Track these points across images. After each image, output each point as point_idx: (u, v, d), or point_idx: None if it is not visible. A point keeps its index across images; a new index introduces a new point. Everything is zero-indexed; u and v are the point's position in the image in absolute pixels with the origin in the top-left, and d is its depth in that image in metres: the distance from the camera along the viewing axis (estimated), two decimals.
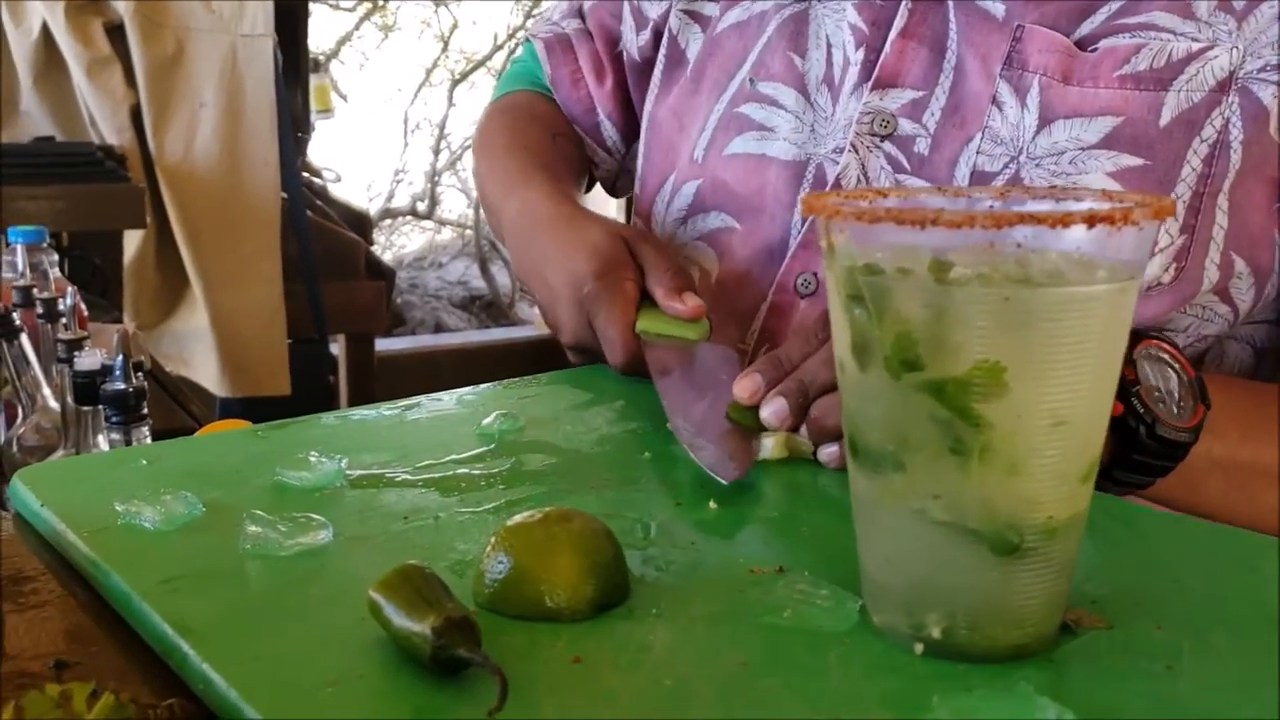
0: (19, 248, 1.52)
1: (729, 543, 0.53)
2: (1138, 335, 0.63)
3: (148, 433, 1.17)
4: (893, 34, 0.78)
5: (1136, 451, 0.61)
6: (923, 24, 0.78)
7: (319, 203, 2.78)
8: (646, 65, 0.96)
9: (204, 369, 2.08)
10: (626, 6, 0.97)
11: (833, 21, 0.82)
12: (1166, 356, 0.63)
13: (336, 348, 2.87)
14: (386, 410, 0.72)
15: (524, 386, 0.78)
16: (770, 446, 0.64)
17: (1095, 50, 0.73)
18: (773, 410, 0.64)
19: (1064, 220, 0.37)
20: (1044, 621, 0.43)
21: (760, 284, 0.83)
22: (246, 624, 0.45)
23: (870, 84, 0.78)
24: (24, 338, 1.36)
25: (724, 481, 0.58)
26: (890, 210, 0.39)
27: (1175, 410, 0.62)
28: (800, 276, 0.82)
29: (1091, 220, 0.37)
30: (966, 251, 0.40)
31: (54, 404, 1.32)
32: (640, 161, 0.95)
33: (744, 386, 0.65)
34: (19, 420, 1.36)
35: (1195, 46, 0.70)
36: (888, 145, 0.78)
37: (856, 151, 0.79)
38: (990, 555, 0.41)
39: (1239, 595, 0.48)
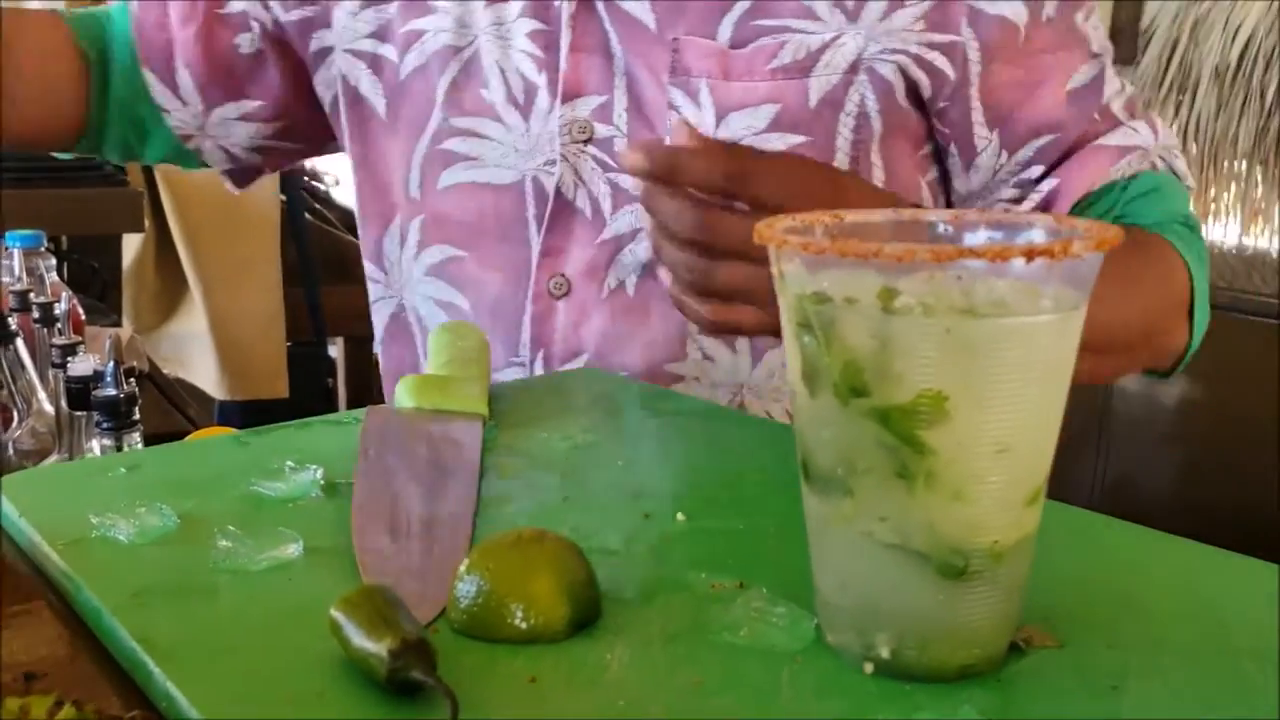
0: (16, 252, 1.53)
1: (693, 557, 0.54)
2: None
3: (139, 438, 1.18)
4: (564, 49, 0.86)
5: None
6: (586, 35, 0.86)
7: (318, 206, 2.79)
8: (258, 56, 0.97)
9: (203, 372, 2.09)
10: None
11: (500, 50, 0.89)
12: None
13: (335, 351, 2.88)
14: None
15: (510, 390, 0.79)
16: None
17: (746, 49, 0.83)
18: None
19: (1002, 254, 0.38)
20: (992, 642, 0.44)
21: (516, 298, 0.90)
22: (212, 640, 0.46)
23: (559, 98, 0.86)
24: (20, 342, 1.37)
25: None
26: (835, 244, 0.39)
27: None
28: (551, 280, 0.88)
29: (1030, 254, 0.38)
30: (913, 280, 0.41)
31: (49, 408, 1.33)
32: (356, 203, 0.99)
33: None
34: (14, 424, 1.37)
35: (827, 37, 0.82)
36: (591, 149, 0.87)
37: (567, 160, 0.87)
38: (937, 578, 0.42)
39: (1192, 611, 0.49)
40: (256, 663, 0.44)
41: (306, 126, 1.02)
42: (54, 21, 0.97)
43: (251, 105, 0.99)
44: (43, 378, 1.35)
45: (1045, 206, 0.87)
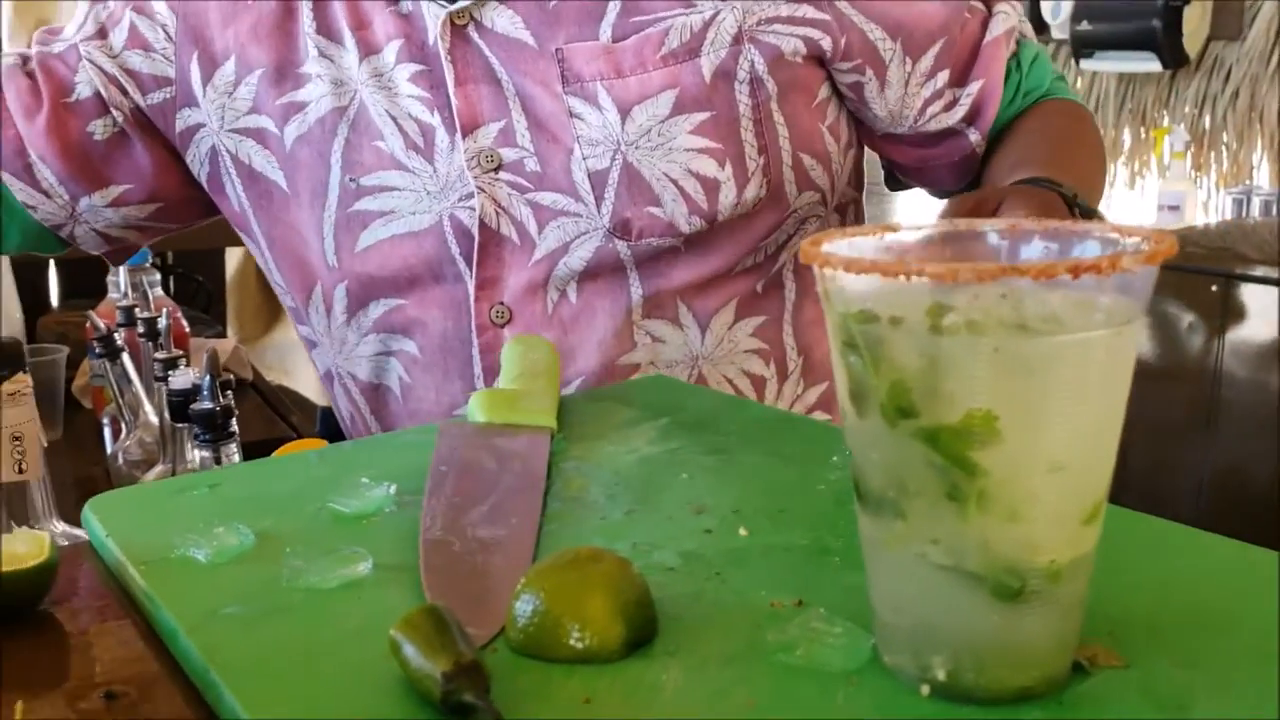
0: (122, 269, 1.59)
1: (753, 573, 0.54)
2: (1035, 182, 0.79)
3: (236, 449, 1.22)
4: (450, 85, 0.88)
5: None
6: (468, 66, 0.88)
7: None
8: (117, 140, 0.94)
9: (304, 379, 2.15)
10: (93, 67, 0.94)
11: (386, 98, 0.89)
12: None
13: None
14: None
15: (580, 401, 0.79)
16: None
17: (631, 42, 0.86)
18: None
19: (1047, 272, 0.37)
20: (1051, 663, 0.43)
21: (461, 333, 0.91)
22: (280, 661, 0.47)
23: (459, 133, 0.88)
24: (126, 357, 1.42)
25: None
26: (876, 262, 0.39)
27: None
28: (492, 310, 0.90)
29: (1076, 271, 0.37)
30: (962, 295, 0.40)
31: (154, 420, 1.39)
32: (274, 278, 0.99)
33: None
34: (123, 435, 1.43)
35: (707, 15, 0.87)
36: (504, 175, 0.88)
37: (484, 191, 0.88)
38: (992, 599, 0.41)
39: (1269, 628, 0.47)
40: (321, 684, 0.45)
41: (182, 203, 1.00)
42: None
43: (119, 190, 0.96)
44: (148, 391, 1.40)
45: (976, 109, 0.94)
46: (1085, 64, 2.97)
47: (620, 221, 0.87)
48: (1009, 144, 0.94)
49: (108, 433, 1.49)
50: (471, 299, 0.90)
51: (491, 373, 0.90)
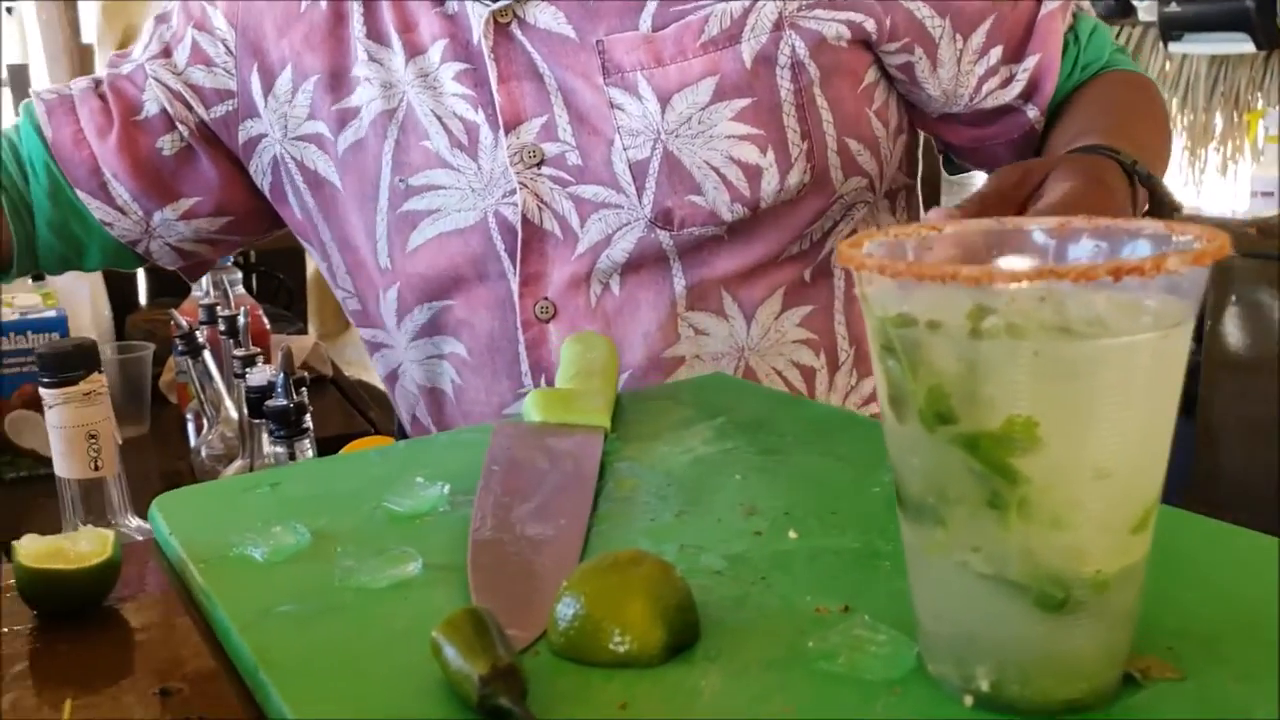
0: None
1: (800, 577, 0.53)
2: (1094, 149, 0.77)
3: (309, 444, 1.24)
4: (494, 82, 0.88)
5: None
6: (511, 63, 0.88)
7: None
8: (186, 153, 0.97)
9: None
10: (159, 85, 0.96)
11: (432, 99, 0.91)
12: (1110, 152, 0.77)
13: None
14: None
15: (637, 400, 0.79)
16: None
17: (671, 30, 0.86)
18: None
19: (1087, 275, 0.36)
20: (1100, 675, 0.41)
21: (507, 331, 0.92)
22: (327, 660, 0.48)
23: (501, 130, 0.88)
24: (207, 354, 1.46)
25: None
26: (911, 265, 0.38)
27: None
28: (536, 305, 0.91)
29: (1117, 273, 0.35)
30: (1003, 297, 0.39)
31: (235, 415, 1.42)
32: (341, 282, 1.01)
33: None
34: (205, 430, 1.46)
35: (746, 3, 0.86)
36: (546, 169, 0.89)
37: (526, 187, 0.89)
38: (1036, 609, 0.40)
39: None
40: (365, 684, 0.46)
41: (249, 214, 1.02)
42: None
43: (189, 203, 0.99)
44: (228, 387, 1.44)
45: (1034, 84, 0.92)
46: (1174, 46, 2.88)
47: (662, 211, 0.87)
48: (1067, 116, 0.92)
49: (191, 428, 1.53)
50: (516, 295, 0.91)
51: (538, 368, 0.91)
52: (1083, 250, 0.43)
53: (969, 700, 0.42)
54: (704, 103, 0.86)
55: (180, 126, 0.96)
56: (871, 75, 0.91)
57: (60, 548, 0.56)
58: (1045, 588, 0.40)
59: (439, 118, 0.90)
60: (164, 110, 0.96)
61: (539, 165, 0.88)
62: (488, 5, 0.88)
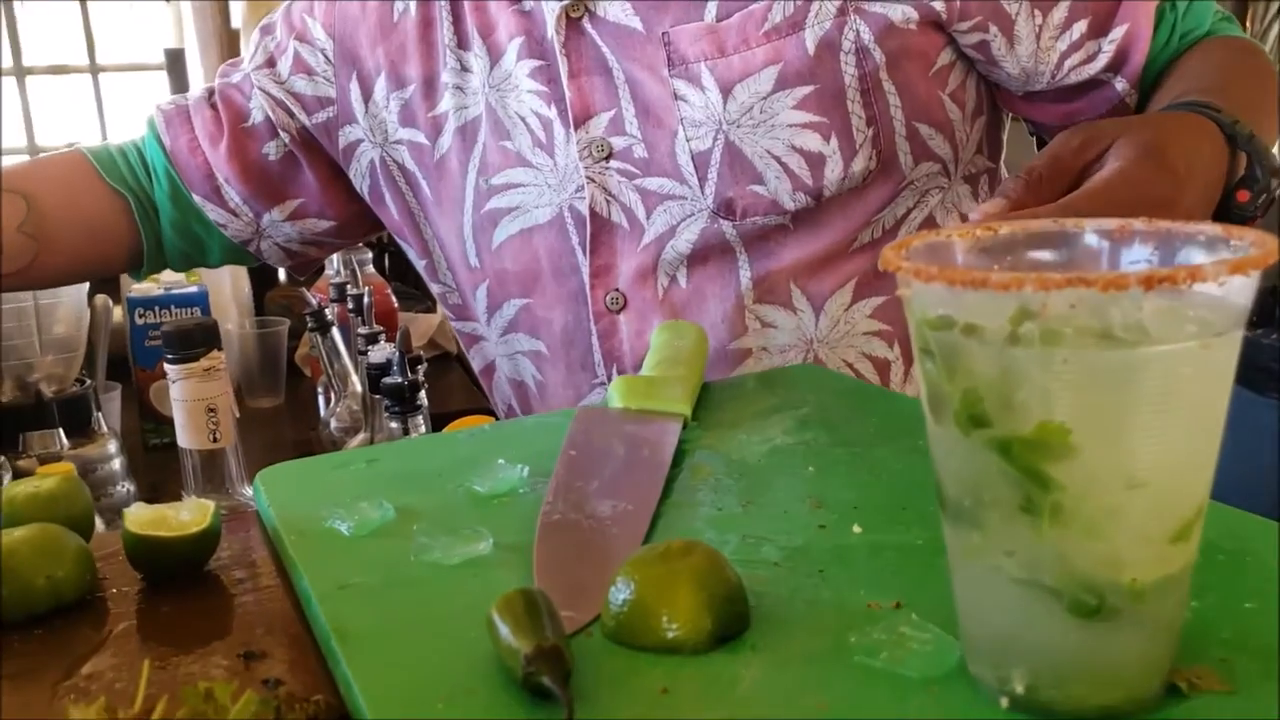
0: None
1: (857, 572, 0.53)
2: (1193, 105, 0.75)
3: (423, 421, 1.29)
4: (564, 80, 0.90)
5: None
6: (581, 58, 0.90)
7: None
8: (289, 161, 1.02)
9: None
10: (263, 94, 1.01)
11: (514, 99, 0.93)
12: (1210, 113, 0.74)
13: None
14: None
15: (723, 388, 0.80)
16: None
17: (734, 20, 0.86)
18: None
19: (1116, 284, 0.35)
20: (1138, 685, 0.41)
21: (581, 324, 0.94)
22: (395, 633, 0.51)
23: (571, 125, 0.90)
24: (335, 331, 1.52)
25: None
26: (943, 270, 0.38)
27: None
28: (607, 297, 0.93)
29: (1149, 283, 0.35)
30: (1045, 303, 0.39)
31: (360, 390, 1.48)
32: (441, 277, 1.05)
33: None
34: (333, 403, 1.53)
35: None
36: (614, 163, 0.90)
37: (594, 181, 0.90)
38: (1070, 616, 0.40)
39: None
40: (426, 657, 0.48)
41: (352, 217, 1.07)
42: (77, 160, 1.03)
43: (295, 205, 1.05)
44: (355, 363, 1.50)
45: (1122, 56, 0.88)
46: None
47: (723, 201, 0.87)
48: (1165, 85, 0.88)
49: (321, 400, 1.60)
50: (587, 287, 0.92)
51: (611, 357, 0.93)
52: (1137, 254, 0.43)
53: (1005, 702, 0.42)
54: (766, 91, 0.86)
55: (282, 133, 1.02)
56: (945, 57, 0.89)
57: (164, 516, 0.60)
58: (1079, 594, 0.40)
59: (521, 118, 0.93)
60: (268, 118, 1.01)
61: (607, 159, 0.90)
62: (560, 0, 0.90)
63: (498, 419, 1.14)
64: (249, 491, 0.84)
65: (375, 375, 1.34)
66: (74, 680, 0.52)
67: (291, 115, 1.01)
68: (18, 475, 1.14)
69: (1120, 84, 0.90)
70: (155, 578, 0.61)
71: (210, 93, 1.05)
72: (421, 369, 1.31)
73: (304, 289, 1.63)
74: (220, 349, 0.86)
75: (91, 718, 0.40)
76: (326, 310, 1.52)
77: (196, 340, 0.83)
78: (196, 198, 1.04)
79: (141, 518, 0.60)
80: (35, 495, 0.64)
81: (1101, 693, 0.41)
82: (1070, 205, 0.63)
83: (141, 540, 0.59)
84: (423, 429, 1.26)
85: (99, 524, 0.70)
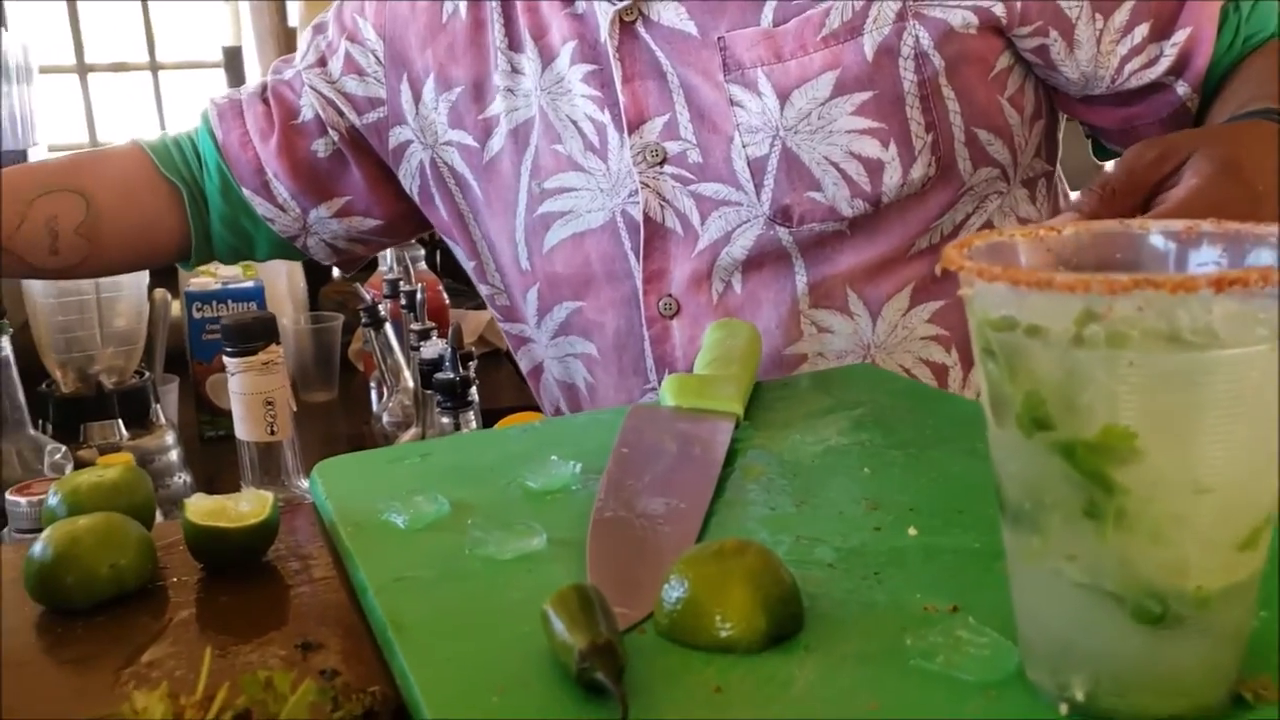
0: None
1: (913, 575, 0.53)
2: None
3: (474, 416, 1.29)
4: (618, 85, 0.90)
5: None
6: (635, 63, 0.90)
7: None
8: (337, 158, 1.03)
9: None
10: (314, 92, 1.02)
11: (566, 104, 0.93)
12: None
13: None
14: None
15: (776, 388, 0.80)
16: None
17: (792, 25, 0.86)
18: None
19: (1185, 285, 0.35)
20: (1202, 693, 0.40)
21: (633, 329, 0.94)
22: (450, 626, 0.51)
23: (625, 130, 0.90)
24: (388, 326, 1.54)
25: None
26: (1007, 270, 0.38)
27: None
28: (660, 302, 0.93)
29: (1219, 285, 0.34)
30: (1111, 303, 0.38)
31: (412, 385, 1.49)
32: (490, 278, 1.04)
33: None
34: (385, 398, 1.55)
35: None
36: (668, 168, 0.90)
37: (648, 186, 0.90)
38: (1133, 622, 0.39)
39: None
40: (482, 649, 0.49)
41: (398, 217, 1.07)
42: (135, 154, 1.05)
43: (341, 202, 1.05)
44: (407, 359, 1.51)
45: (1184, 59, 0.86)
46: None
47: (780, 208, 0.87)
48: (1229, 89, 0.86)
49: (374, 395, 1.61)
50: (640, 293, 0.92)
51: (663, 363, 0.93)
52: (1205, 256, 0.42)
53: (1064, 709, 0.41)
54: (824, 98, 0.85)
55: (332, 131, 1.02)
56: (1004, 61, 0.88)
57: (224, 507, 0.61)
58: (1142, 600, 0.39)
59: (573, 121, 0.93)
60: (318, 116, 1.02)
61: (661, 164, 0.90)
62: (614, 4, 0.89)
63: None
64: (304, 483, 0.85)
65: (428, 371, 1.35)
66: (135, 667, 0.53)
67: (341, 114, 1.02)
68: (78, 465, 1.16)
69: (1182, 88, 0.88)
70: (215, 567, 0.62)
71: (263, 88, 1.06)
72: (473, 365, 1.32)
73: (358, 285, 1.65)
74: (278, 343, 0.87)
75: (154, 704, 0.41)
76: (380, 306, 1.54)
77: (255, 334, 0.85)
78: (246, 191, 1.05)
79: (202, 508, 0.61)
80: (99, 485, 0.65)
81: (1164, 701, 0.40)
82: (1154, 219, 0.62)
83: (202, 530, 0.60)
84: (474, 424, 1.27)
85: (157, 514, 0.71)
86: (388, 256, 1.71)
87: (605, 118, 0.92)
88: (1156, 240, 0.43)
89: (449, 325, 1.80)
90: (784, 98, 0.86)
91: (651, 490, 0.62)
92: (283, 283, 1.80)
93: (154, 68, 2.85)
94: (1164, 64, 0.86)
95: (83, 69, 2.78)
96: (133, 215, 1.03)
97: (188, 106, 2.85)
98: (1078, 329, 0.38)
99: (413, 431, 1.46)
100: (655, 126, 0.90)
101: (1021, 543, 0.42)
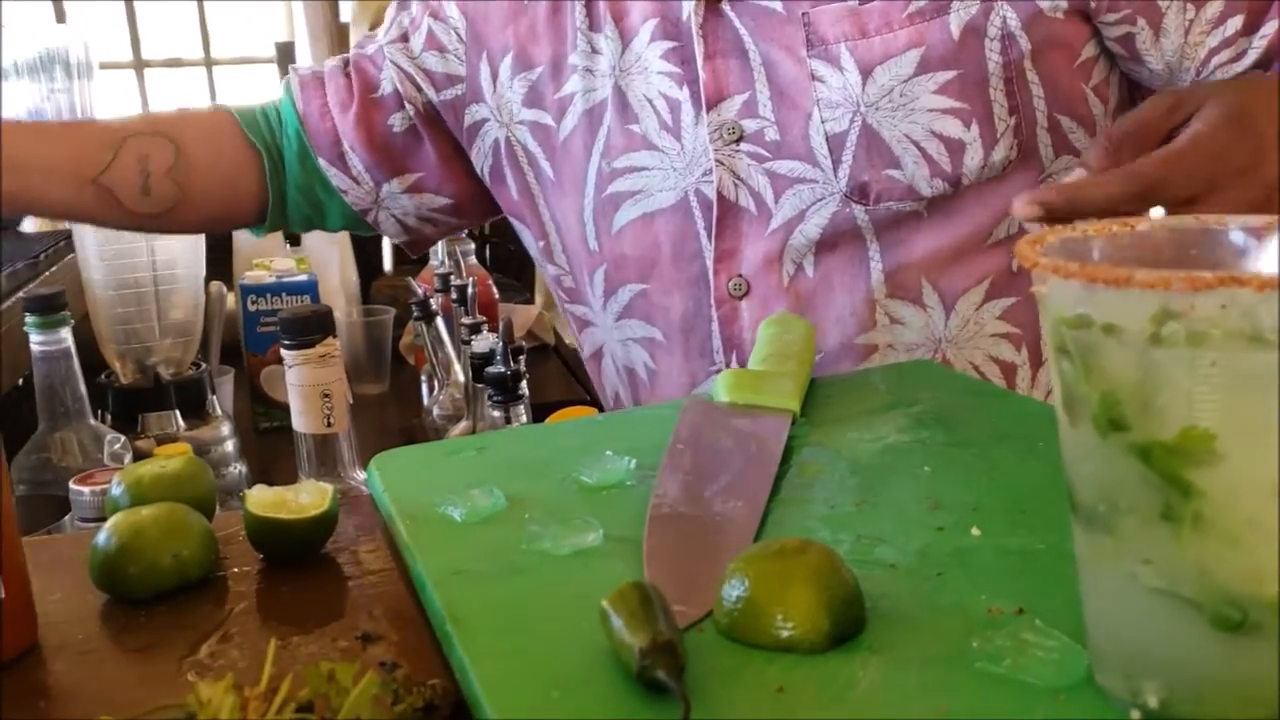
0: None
1: (977, 576, 0.52)
2: None
3: (524, 410, 1.29)
4: (699, 62, 0.89)
5: None
6: (717, 41, 0.89)
7: None
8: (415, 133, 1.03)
9: None
10: (395, 67, 1.01)
11: (643, 81, 0.93)
12: None
13: None
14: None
15: (833, 383, 0.79)
16: None
17: (875, 3, 0.85)
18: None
19: (1270, 284, 0.34)
20: None
21: (701, 310, 0.93)
22: (508, 620, 0.51)
23: (704, 108, 0.89)
24: (439, 320, 1.55)
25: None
26: (1085, 267, 0.37)
27: None
28: (730, 282, 0.92)
29: (1262, 285, 0.33)
30: (1189, 301, 0.37)
31: (462, 378, 1.50)
32: (557, 259, 1.03)
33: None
34: (436, 391, 1.55)
35: None
36: (744, 146, 0.89)
37: (723, 164, 0.89)
38: (1210, 629, 0.38)
39: None
40: (541, 644, 0.49)
41: (469, 197, 1.07)
42: (221, 114, 1.06)
43: (414, 178, 1.05)
44: (458, 352, 1.52)
45: (1271, 53, 0.84)
46: None
47: (857, 185, 0.86)
48: None
49: (425, 388, 1.62)
50: (710, 273, 0.92)
51: (730, 345, 0.92)
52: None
53: (1136, 715, 0.41)
54: (907, 75, 0.84)
55: (408, 105, 1.03)
56: (1090, 49, 0.87)
57: (284, 498, 0.62)
58: (1220, 607, 0.38)
59: (648, 100, 0.92)
60: (396, 90, 1.02)
61: (737, 142, 0.89)
62: None
63: (600, 409, 1.14)
64: (360, 475, 0.85)
65: (478, 365, 1.35)
66: (197, 656, 0.54)
67: (419, 90, 1.03)
68: (137, 455, 1.18)
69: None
70: (275, 558, 0.62)
71: (346, 62, 1.07)
72: (522, 359, 1.32)
73: (410, 278, 1.66)
74: (335, 336, 0.88)
75: (220, 696, 0.41)
76: (431, 300, 1.55)
77: (313, 327, 0.85)
78: (322, 161, 1.06)
79: (263, 499, 0.61)
80: (161, 476, 0.66)
81: (1241, 709, 0.39)
82: (1139, 172, 0.61)
83: (262, 522, 0.61)
84: (524, 418, 1.27)
85: None
86: (439, 251, 1.71)
87: (682, 95, 0.91)
88: (1236, 236, 0.42)
89: (498, 320, 1.81)
90: (866, 73, 0.85)
91: (708, 487, 0.62)
92: (335, 276, 1.81)
93: (209, 63, 2.88)
94: (1251, 56, 0.84)
95: (139, 65, 2.82)
96: (218, 170, 1.04)
97: (242, 101, 2.89)
98: (1155, 328, 0.37)
99: (463, 425, 1.46)
100: (734, 105, 0.89)
101: (1095, 545, 0.41)
